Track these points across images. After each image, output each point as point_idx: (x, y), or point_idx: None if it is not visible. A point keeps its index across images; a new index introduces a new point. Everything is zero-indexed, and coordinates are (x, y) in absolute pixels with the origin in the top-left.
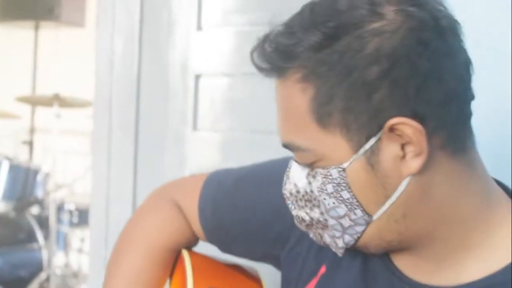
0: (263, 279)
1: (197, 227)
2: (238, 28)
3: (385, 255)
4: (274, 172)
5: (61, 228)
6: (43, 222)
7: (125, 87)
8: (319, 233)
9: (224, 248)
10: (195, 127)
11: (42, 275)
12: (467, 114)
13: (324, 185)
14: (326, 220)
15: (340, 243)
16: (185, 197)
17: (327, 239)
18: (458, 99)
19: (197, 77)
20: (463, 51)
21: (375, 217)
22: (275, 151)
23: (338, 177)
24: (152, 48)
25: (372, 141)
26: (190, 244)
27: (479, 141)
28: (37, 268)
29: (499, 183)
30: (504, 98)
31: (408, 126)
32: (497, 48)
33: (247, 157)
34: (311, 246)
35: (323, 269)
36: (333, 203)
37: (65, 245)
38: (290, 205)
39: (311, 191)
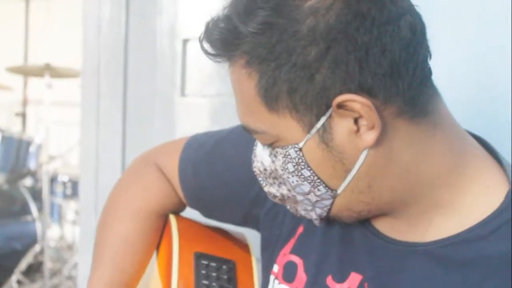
0: (250, 243)
1: (180, 192)
2: None
3: None
4: (247, 135)
5: (55, 200)
6: (36, 194)
7: (112, 54)
8: (293, 206)
9: (206, 213)
10: (183, 92)
11: (37, 247)
12: (423, 77)
13: (285, 164)
14: (294, 196)
15: (314, 215)
16: (166, 162)
17: (302, 212)
18: (407, 64)
19: (185, 41)
20: (407, 14)
21: (339, 191)
22: None
23: (296, 156)
24: (140, 13)
25: (322, 120)
26: (177, 209)
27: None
28: (32, 240)
29: (478, 139)
30: (504, 98)
31: (355, 102)
32: (497, 48)
33: (235, 121)
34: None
35: (300, 229)
36: (297, 181)
37: (59, 217)
38: (261, 182)
39: (276, 169)
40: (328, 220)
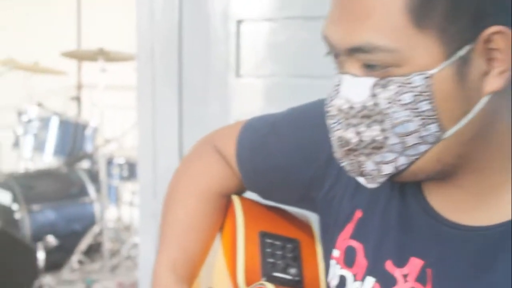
0: (312, 224)
1: (238, 174)
2: None
3: (420, 195)
4: (309, 116)
5: (112, 182)
6: (94, 176)
7: (166, 36)
8: (359, 160)
9: (264, 195)
10: (238, 73)
11: (95, 228)
12: None
13: (399, 95)
14: (386, 138)
15: (388, 169)
16: (225, 145)
17: (369, 166)
18: None
19: (239, 22)
20: None
21: (448, 133)
22: (318, 95)
23: (421, 85)
24: None
25: (466, 48)
26: (238, 190)
27: None
28: (90, 221)
29: None
30: None
31: (503, 36)
32: None
33: (291, 102)
34: (346, 190)
35: (358, 214)
36: (407, 116)
37: (116, 199)
38: (334, 125)
39: (376, 104)
40: (385, 199)
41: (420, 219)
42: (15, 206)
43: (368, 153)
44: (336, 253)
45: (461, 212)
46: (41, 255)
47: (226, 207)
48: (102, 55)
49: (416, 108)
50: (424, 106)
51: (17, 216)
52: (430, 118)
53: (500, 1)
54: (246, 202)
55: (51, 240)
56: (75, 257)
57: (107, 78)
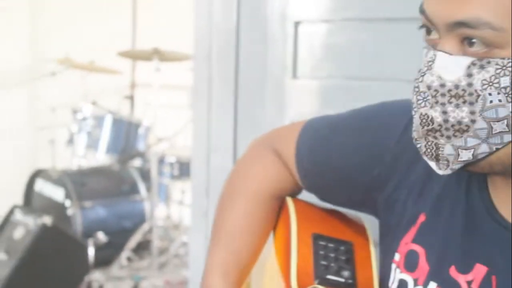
0: (366, 226)
1: (296, 175)
2: None
3: (487, 198)
4: (374, 116)
5: (163, 180)
6: (145, 175)
7: (224, 37)
8: (438, 143)
9: (322, 196)
10: (294, 75)
11: (145, 226)
12: None
13: (497, 78)
14: (473, 121)
15: (466, 155)
16: (283, 146)
17: (448, 150)
18: None
19: (296, 24)
20: None
21: None
22: (374, 97)
23: None
24: None
25: None
26: (293, 192)
27: None
28: (140, 219)
29: None
30: None
31: None
32: None
33: (347, 104)
34: (410, 193)
35: (422, 217)
36: (500, 100)
37: (166, 197)
38: (420, 101)
39: (469, 85)
40: (451, 203)
41: (485, 223)
42: (67, 203)
43: (450, 135)
44: (397, 256)
45: None
46: (91, 251)
47: (279, 209)
48: (156, 54)
49: None
50: None
51: (69, 212)
52: None
53: None
54: (299, 204)
55: (101, 236)
56: (124, 254)
57: (161, 77)
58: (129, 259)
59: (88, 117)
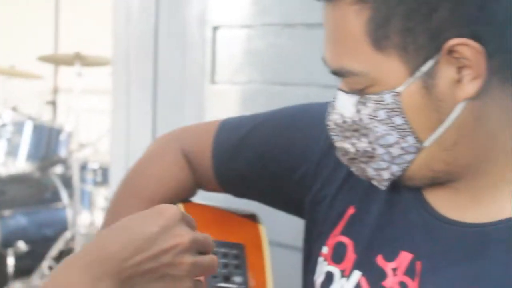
0: (261, 222)
1: (209, 175)
2: None
3: (418, 192)
4: (295, 116)
5: (85, 187)
6: (67, 182)
7: (142, 41)
8: (361, 167)
9: (241, 195)
10: (213, 80)
11: (67, 234)
12: None
13: (376, 112)
14: (374, 149)
15: (386, 174)
16: (194, 145)
17: (371, 172)
18: None
19: (215, 28)
20: None
21: (426, 143)
22: (293, 102)
23: (392, 102)
24: (169, 1)
25: (429, 63)
26: (189, 196)
27: None
28: (62, 227)
29: None
30: None
31: (468, 47)
32: None
33: (266, 109)
34: (339, 188)
35: (351, 210)
36: (384, 130)
37: (89, 204)
38: (334, 137)
39: (360, 120)
40: (392, 187)
41: (415, 214)
42: None
43: (366, 161)
44: (324, 249)
45: (456, 209)
46: (11, 261)
47: None
48: (78, 59)
49: (392, 123)
50: (398, 120)
51: None
52: (406, 131)
53: (457, 15)
54: (189, 208)
55: (22, 246)
56: (46, 263)
57: (83, 82)
58: (50, 268)
59: (8, 123)
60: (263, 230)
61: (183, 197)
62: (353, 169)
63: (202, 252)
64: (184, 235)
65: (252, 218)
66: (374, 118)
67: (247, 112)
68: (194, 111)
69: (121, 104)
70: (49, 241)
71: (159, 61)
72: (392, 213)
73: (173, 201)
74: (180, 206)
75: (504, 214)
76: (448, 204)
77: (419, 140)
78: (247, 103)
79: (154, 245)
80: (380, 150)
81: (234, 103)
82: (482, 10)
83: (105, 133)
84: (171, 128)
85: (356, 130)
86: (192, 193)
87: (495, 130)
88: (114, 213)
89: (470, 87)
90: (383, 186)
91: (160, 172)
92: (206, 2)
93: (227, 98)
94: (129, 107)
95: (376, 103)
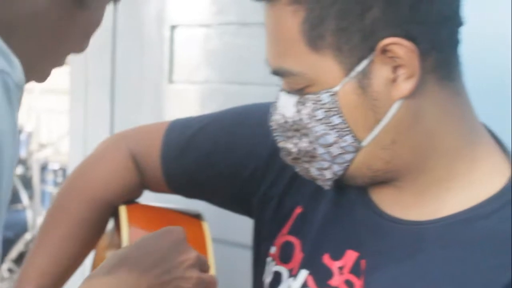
0: (205, 221)
1: (157, 176)
2: None
3: (363, 191)
4: (243, 116)
5: (46, 188)
6: (27, 182)
7: (100, 41)
8: (305, 167)
9: (190, 195)
10: (171, 79)
11: (27, 236)
12: (457, 40)
13: (314, 111)
14: (314, 149)
15: (328, 174)
16: (143, 146)
17: (314, 172)
18: (449, 22)
19: (173, 28)
20: None
21: (364, 143)
22: (251, 102)
23: (329, 101)
24: (127, 0)
25: (364, 63)
26: (134, 197)
27: None
28: (22, 228)
29: (485, 126)
30: (503, 98)
31: (401, 46)
32: (497, 48)
33: (224, 108)
34: (287, 188)
35: (298, 210)
36: (323, 130)
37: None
38: (277, 137)
39: (300, 120)
40: (337, 186)
41: (361, 213)
42: None
43: (309, 161)
44: (272, 249)
45: (401, 208)
46: None
47: (113, 216)
48: None
49: (330, 122)
50: (336, 120)
51: None
52: (344, 130)
53: (389, 14)
54: (132, 210)
55: None
56: (5, 265)
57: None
58: (10, 270)
59: None
60: (207, 228)
61: (128, 198)
62: (297, 169)
63: (203, 270)
64: (190, 252)
65: (197, 217)
66: (313, 118)
67: (206, 112)
68: (152, 110)
69: (79, 104)
70: (9, 243)
71: (117, 60)
72: (338, 212)
73: (117, 202)
74: (123, 208)
75: (446, 211)
76: (392, 203)
77: (357, 139)
78: (205, 102)
79: (167, 260)
80: (320, 150)
81: (192, 103)
82: (415, 10)
83: (66, 134)
84: (130, 127)
85: (297, 130)
86: (138, 194)
87: (433, 128)
88: (56, 212)
89: (404, 86)
90: (327, 186)
91: (106, 173)
92: (164, 1)
93: (185, 98)
94: (87, 107)
95: (314, 103)
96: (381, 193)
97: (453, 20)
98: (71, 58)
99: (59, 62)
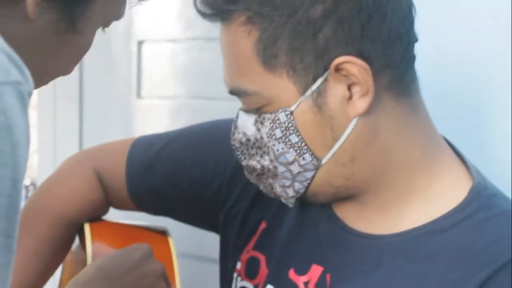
0: (170, 237)
1: (122, 193)
2: None
3: (328, 206)
4: (208, 132)
5: None
6: None
7: None
8: (269, 184)
9: (155, 212)
10: (139, 94)
11: None
12: (411, 57)
13: (272, 130)
14: (275, 167)
15: (291, 192)
16: (107, 163)
17: (278, 189)
18: (402, 39)
19: (140, 43)
20: None
21: (323, 161)
22: (218, 116)
23: (286, 120)
24: None
25: (318, 82)
26: (99, 215)
27: (479, 141)
28: None
29: (445, 139)
30: (504, 98)
31: (354, 65)
32: (497, 48)
33: (193, 123)
34: (252, 204)
35: (263, 225)
36: (282, 148)
37: None
38: (239, 156)
39: (261, 138)
40: (301, 202)
41: (325, 227)
42: None
43: (272, 177)
44: (239, 265)
45: (365, 222)
46: None
47: (77, 234)
48: None
49: (288, 141)
50: (294, 138)
51: None
52: (302, 149)
53: (341, 34)
54: (96, 228)
55: None
56: None
57: None
58: None
59: None
60: (172, 244)
61: (93, 215)
62: (261, 187)
63: (167, 284)
64: (158, 263)
65: (163, 233)
66: (272, 136)
67: (174, 127)
68: (121, 125)
69: (47, 119)
70: None
71: (85, 75)
72: (303, 227)
73: (82, 219)
74: (87, 225)
75: (407, 225)
76: (356, 217)
77: (316, 157)
78: (174, 117)
79: (140, 268)
80: (281, 168)
81: (161, 118)
82: (366, 29)
83: (36, 149)
84: (98, 143)
85: (259, 148)
86: (103, 212)
87: (390, 144)
88: (20, 230)
89: (360, 103)
90: (290, 203)
91: (70, 190)
92: (131, 17)
93: (153, 113)
94: (55, 122)
95: (272, 122)
96: (345, 208)
97: (406, 38)
98: None
99: (44, 82)
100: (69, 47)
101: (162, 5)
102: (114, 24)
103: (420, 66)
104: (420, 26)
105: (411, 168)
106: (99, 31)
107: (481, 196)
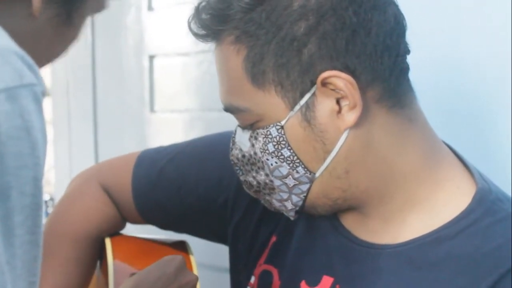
0: (191, 251)
1: (131, 209)
2: (189, 6)
3: (334, 216)
4: (211, 146)
5: None
6: None
7: (80, 72)
8: (267, 199)
9: (164, 226)
10: (152, 108)
11: None
12: (403, 68)
13: (265, 145)
14: (271, 181)
15: (289, 205)
16: (115, 179)
17: (276, 204)
18: (390, 52)
19: (151, 57)
20: (392, 4)
21: (317, 174)
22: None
23: (277, 135)
24: (105, 32)
25: (306, 96)
26: (116, 230)
27: (479, 142)
28: None
29: (448, 146)
30: (504, 98)
31: (340, 79)
32: (497, 48)
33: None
34: (261, 218)
35: (273, 239)
36: (276, 162)
37: None
38: (237, 171)
39: (255, 153)
40: (303, 215)
41: (333, 238)
42: None
43: (269, 193)
44: (252, 279)
45: (370, 233)
46: None
47: (100, 249)
48: None
49: (281, 155)
50: (286, 152)
51: None
52: (295, 162)
53: (325, 49)
54: (117, 242)
55: None
56: None
57: None
58: None
59: None
60: (191, 258)
61: (112, 230)
62: (262, 201)
63: None
64: (192, 274)
65: (182, 246)
66: (265, 151)
67: (187, 139)
68: (135, 140)
69: (63, 135)
70: None
71: (98, 91)
72: (312, 238)
73: (101, 235)
74: (107, 240)
75: (413, 234)
76: (361, 228)
77: (309, 171)
78: (187, 130)
79: (175, 281)
80: (277, 182)
81: (174, 131)
82: (351, 43)
83: (53, 165)
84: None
85: (253, 164)
86: (121, 226)
87: (386, 156)
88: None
89: (349, 117)
90: (291, 216)
91: (84, 211)
92: (142, 32)
93: (167, 126)
94: (70, 138)
95: (265, 137)
96: (350, 219)
97: (394, 50)
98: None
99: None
100: (63, 39)
101: (172, 20)
102: (125, 40)
103: (420, 67)
104: (420, 26)
105: (412, 178)
106: (111, 48)
107: (485, 201)
